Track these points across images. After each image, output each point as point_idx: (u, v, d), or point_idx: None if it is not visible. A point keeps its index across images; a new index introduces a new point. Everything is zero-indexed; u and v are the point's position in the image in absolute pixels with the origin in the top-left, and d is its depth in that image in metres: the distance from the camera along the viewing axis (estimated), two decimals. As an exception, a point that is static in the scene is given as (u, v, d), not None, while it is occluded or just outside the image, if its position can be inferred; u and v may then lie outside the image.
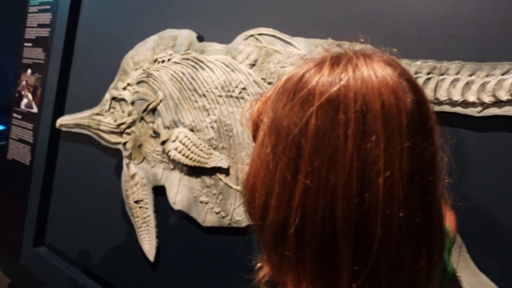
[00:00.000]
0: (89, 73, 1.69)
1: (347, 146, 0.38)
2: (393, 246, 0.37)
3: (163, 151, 1.35)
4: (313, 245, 0.39)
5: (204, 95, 1.26)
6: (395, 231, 0.37)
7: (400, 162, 0.37)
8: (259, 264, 0.52)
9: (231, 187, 1.20)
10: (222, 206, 1.22)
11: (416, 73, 0.91)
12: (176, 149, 1.30)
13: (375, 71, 0.41)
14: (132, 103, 1.46)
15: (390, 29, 0.96)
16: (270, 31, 1.14)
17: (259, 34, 1.17)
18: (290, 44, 1.10)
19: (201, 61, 1.28)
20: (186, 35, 1.33)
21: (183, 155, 1.28)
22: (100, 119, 1.56)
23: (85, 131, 1.62)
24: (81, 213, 1.66)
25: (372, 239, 0.37)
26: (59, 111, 1.77)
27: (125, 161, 1.47)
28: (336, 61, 0.44)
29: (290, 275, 0.42)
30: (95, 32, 1.67)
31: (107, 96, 1.54)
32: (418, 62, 0.89)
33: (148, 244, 1.39)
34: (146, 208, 1.41)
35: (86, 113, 1.61)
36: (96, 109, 1.59)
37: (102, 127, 1.54)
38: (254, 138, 0.52)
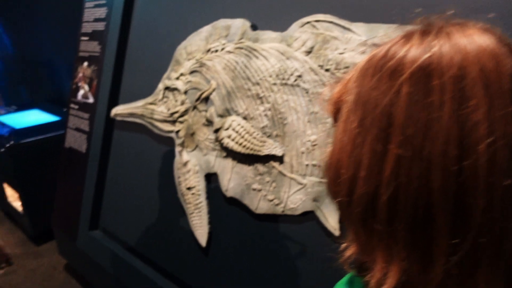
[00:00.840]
0: (142, 64, 1.74)
1: (443, 112, 0.36)
2: (496, 217, 0.36)
3: (216, 139, 1.38)
4: (406, 217, 0.38)
5: (258, 84, 1.27)
6: (498, 201, 0.36)
7: (504, 128, 0.36)
8: (344, 244, 0.52)
9: (285, 175, 1.20)
10: (275, 194, 1.22)
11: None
12: (229, 137, 1.32)
13: (470, 37, 0.39)
14: (185, 93, 1.49)
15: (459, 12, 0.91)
16: (328, 17, 1.13)
17: (316, 21, 1.15)
18: (349, 30, 1.08)
19: (255, 50, 1.28)
20: (239, 24, 1.34)
21: (237, 142, 1.30)
22: (153, 108, 1.61)
23: (138, 120, 1.68)
24: (134, 198, 1.73)
25: (473, 209, 0.36)
26: (114, 101, 1.85)
27: (177, 149, 1.51)
28: (425, 31, 0.42)
29: (380, 251, 0.41)
30: (148, 25, 1.73)
31: (161, 86, 1.59)
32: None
33: (200, 229, 1.43)
34: (199, 195, 1.44)
35: (140, 103, 1.67)
36: (149, 99, 1.64)
37: (155, 116, 1.59)
38: (335, 120, 0.52)
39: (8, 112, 3.06)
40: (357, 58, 1.05)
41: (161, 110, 1.57)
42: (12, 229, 2.80)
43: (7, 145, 2.28)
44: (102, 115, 1.88)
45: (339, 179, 0.44)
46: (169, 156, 1.56)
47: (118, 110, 1.75)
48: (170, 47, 1.59)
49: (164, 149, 1.61)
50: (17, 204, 2.59)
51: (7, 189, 2.68)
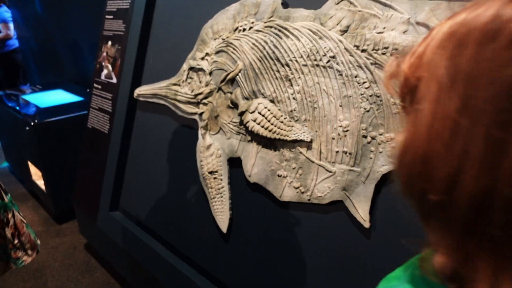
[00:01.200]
0: (166, 44, 1.70)
1: None
2: None
3: (241, 122, 1.32)
4: None
5: (287, 65, 1.20)
6: None
7: None
8: (424, 252, 0.44)
9: (312, 162, 1.14)
10: (302, 181, 1.16)
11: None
12: (255, 121, 1.26)
13: None
14: (210, 73, 1.44)
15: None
16: (367, -7, 1.04)
17: (353, -3, 1.07)
18: (390, 7, 1.00)
19: (286, 29, 1.21)
20: (270, 1, 1.27)
21: (262, 126, 1.24)
22: (177, 89, 1.57)
23: (161, 101, 1.64)
24: (155, 181, 1.70)
25: None
26: (137, 82, 1.81)
27: (201, 131, 1.46)
28: None
29: (487, 259, 0.33)
30: (174, 3, 1.67)
31: (185, 66, 1.54)
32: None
33: (221, 215, 1.39)
34: (221, 179, 1.40)
35: (163, 83, 1.63)
36: (173, 79, 1.60)
37: (178, 97, 1.55)
38: (408, 101, 0.43)
39: (34, 91, 3.09)
40: (398, 38, 0.97)
41: (185, 91, 1.53)
42: (36, 207, 2.85)
43: (32, 123, 2.30)
44: (125, 96, 1.85)
45: (429, 175, 0.36)
46: (192, 139, 1.52)
47: (141, 90, 1.71)
48: (196, 26, 1.53)
49: (187, 131, 1.57)
50: (41, 183, 2.63)
51: (31, 167, 2.72)
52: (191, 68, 1.51)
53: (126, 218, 1.88)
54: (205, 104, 1.46)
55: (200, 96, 1.46)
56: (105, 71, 2.01)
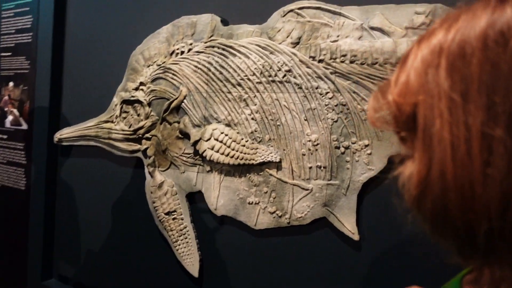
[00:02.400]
0: (87, 79, 1.50)
1: None
2: None
3: (196, 153, 1.20)
4: None
5: (240, 84, 1.13)
6: None
7: None
8: (469, 275, 0.40)
9: (286, 182, 1.07)
10: (277, 205, 1.09)
11: None
12: (212, 149, 1.15)
13: None
14: (149, 104, 1.29)
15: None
16: (313, 3, 1.03)
17: (300, 8, 1.05)
18: (340, 15, 0.99)
19: (231, 47, 1.14)
20: (207, 20, 1.19)
21: (222, 153, 1.14)
22: (110, 126, 1.38)
23: (92, 143, 1.43)
24: (98, 235, 1.47)
25: None
26: (54, 125, 1.57)
27: (148, 169, 1.30)
28: None
29: None
30: (89, 30, 1.49)
31: (116, 100, 1.37)
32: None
33: (189, 258, 1.24)
34: (182, 219, 1.25)
35: (92, 122, 1.42)
36: (103, 116, 1.40)
37: (114, 136, 1.37)
38: (402, 128, 0.41)
39: None
40: (354, 44, 0.96)
41: (120, 127, 1.35)
42: None
43: None
44: (41, 143, 1.58)
45: (469, 202, 0.32)
46: (138, 180, 1.35)
47: (64, 134, 1.48)
48: (121, 55, 1.38)
49: (129, 172, 1.38)
50: None
51: None
52: (125, 101, 1.34)
53: (65, 285, 1.59)
54: (148, 138, 1.30)
55: (141, 131, 1.30)
56: (10, 118, 1.70)
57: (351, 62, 0.97)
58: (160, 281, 1.31)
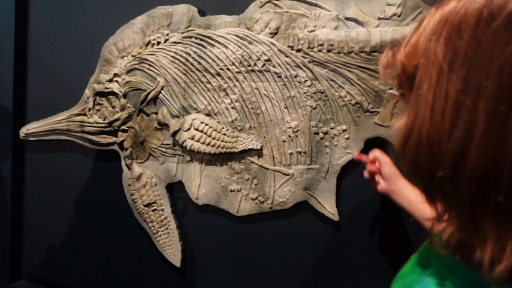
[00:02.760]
0: (54, 71, 1.44)
1: None
2: None
3: (175, 143, 1.21)
4: None
5: (219, 74, 1.14)
6: None
7: None
8: (439, 226, 0.46)
9: (267, 168, 1.11)
10: (259, 191, 1.12)
11: None
12: (192, 138, 1.16)
13: None
14: (125, 96, 1.28)
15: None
16: (290, -6, 1.06)
17: (277, -1, 1.08)
18: (317, 6, 1.03)
19: (209, 37, 1.15)
20: (183, 10, 1.19)
21: (203, 143, 1.15)
22: (82, 119, 1.34)
23: (63, 137, 1.38)
24: (72, 233, 1.43)
25: None
26: (20, 120, 1.50)
27: (125, 162, 1.28)
28: None
29: (493, 226, 0.37)
30: (56, 20, 1.43)
31: (88, 93, 1.33)
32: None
33: (171, 248, 1.24)
34: (162, 210, 1.25)
35: (62, 116, 1.38)
36: (75, 109, 1.36)
37: (87, 129, 1.33)
38: (402, 86, 0.46)
39: None
40: (331, 34, 1.01)
41: (94, 120, 1.32)
42: None
43: None
44: (5, 139, 1.51)
45: (435, 154, 0.38)
46: (114, 173, 1.32)
47: (31, 128, 1.42)
48: (90, 46, 1.35)
49: (105, 165, 1.36)
50: None
51: None
52: (98, 93, 1.31)
53: (35, 286, 1.53)
54: (124, 130, 1.28)
55: (117, 123, 1.28)
56: (-32, 113, 1.60)
57: (328, 51, 1.02)
58: (142, 274, 1.30)
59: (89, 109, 1.33)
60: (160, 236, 1.25)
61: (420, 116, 0.39)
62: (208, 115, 1.16)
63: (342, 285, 1.04)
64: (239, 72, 1.12)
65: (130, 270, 1.32)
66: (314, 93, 1.05)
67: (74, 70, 1.40)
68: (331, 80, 1.03)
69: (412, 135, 0.40)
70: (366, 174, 0.90)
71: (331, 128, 1.04)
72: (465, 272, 0.41)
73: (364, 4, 0.99)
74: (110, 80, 1.30)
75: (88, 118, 1.33)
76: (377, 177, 0.86)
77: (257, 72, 1.10)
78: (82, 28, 1.38)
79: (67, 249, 1.44)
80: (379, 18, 0.98)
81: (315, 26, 1.04)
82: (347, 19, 1.01)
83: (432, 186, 0.40)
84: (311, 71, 1.04)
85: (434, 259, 0.45)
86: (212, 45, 1.15)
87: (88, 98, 1.33)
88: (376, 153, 0.88)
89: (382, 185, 0.84)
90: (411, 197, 0.78)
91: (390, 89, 0.97)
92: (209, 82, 1.15)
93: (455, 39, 0.38)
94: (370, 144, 0.99)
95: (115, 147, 1.31)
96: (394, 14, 0.96)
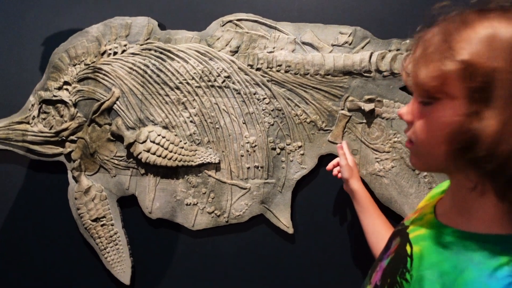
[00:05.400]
0: (-7, 74, 1.34)
1: None
2: None
3: (129, 156, 1.18)
4: None
5: (178, 88, 1.15)
6: None
7: None
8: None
9: (224, 182, 1.12)
10: (215, 204, 1.13)
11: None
12: (148, 151, 1.15)
13: None
14: (75, 105, 1.22)
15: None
16: (251, 16, 1.12)
17: (239, 20, 1.12)
18: (276, 29, 1.10)
19: (169, 51, 1.16)
20: (143, 22, 1.19)
21: (159, 156, 1.14)
22: (25, 128, 1.25)
23: (1, 146, 1.28)
24: (12, 249, 1.30)
25: None
26: None
27: (72, 174, 1.22)
28: None
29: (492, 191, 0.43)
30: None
31: (33, 100, 1.25)
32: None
33: (120, 265, 1.19)
34: (112, 225, 1.20)
35: (1, 123, 1.27)
36: (16, 117, 1.27)
37: (30, 138, 1.24)
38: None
39: None
40: (288, 56, 1.08)
41: (39, 129, 1.24)
42: None
43: None
44: None
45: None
46: (59, 185, 1.25)
47: (-39, 136, 1.29)
48: (38, 51, 1.28)
49: (49, 177, 1.27)
50: None
51: None
52: (45, 101, 1.24)
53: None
54: (73, 141, 1.22)
55: (65, 133, 1.22)
56: None
57: (286, 71, 1.08)
58: (86, 293, 1.22)
59: (33, 117, 1.25)
60: (108, 252, 1.20)
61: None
62: (165, 127, 1.16)
63: (295, 296, 1.08)
64: (199, 86, 1.14)
65: (73, 289, 1.23)
66: (272, 110, 1.10)
67: (17, 75, 1.31)
68: (288, 99, 1.09)
69: (502, 136, 0.40)
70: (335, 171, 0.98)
71: (287, 144, 1.09)
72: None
73: (319, 31, 1.07)
74: (60, 88, 1.24)
75: (32, 126, 1.25)
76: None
77: (217, 88, 1.13)
78: (29, 31, 1.31)
79: (5, 268, 1.31)
80: (333, 45, 1.07)
81: (274, 48, 1.10)
82: (304, 43, 1.08)
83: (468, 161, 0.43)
84: (270, 90, 1.09)
85: (452, 240, 0.45)
86: (172, 59, 1.15)
87: (32, 105, 1.25)
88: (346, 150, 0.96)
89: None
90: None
91: (342, 109, 1.06)
92: (167, 95, 1.16)
93: None
94: (323, 160, 1.06)
95: (61, 158, 1.24)
96: (346, 42, 1.06)
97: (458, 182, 0.48)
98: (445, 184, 0.60)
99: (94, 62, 1.21)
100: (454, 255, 0.44)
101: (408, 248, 0.50)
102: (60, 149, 1.23)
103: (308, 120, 1.08)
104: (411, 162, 0.54)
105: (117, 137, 1.19)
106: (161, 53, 1.16)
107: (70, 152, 1.22)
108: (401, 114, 0.51)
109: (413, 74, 0.47)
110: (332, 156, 1.05)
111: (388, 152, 1.03)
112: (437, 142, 0.45)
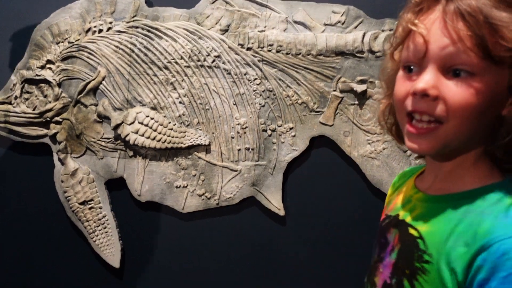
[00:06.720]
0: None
1: None
2: None
3: (117, 137, 1.15)
4: None
5: (166, 67, 1.12)
6: None
7: None
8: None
9: (215, 164, 1.11)
10: (206, 187, 1.12)
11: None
12: (136, 132, 1.12)
13: None
14: (59, 85, 1.18)
15: None
16: (242, -7, 1.08)
17: (229, -3, 1.09)
18: (267, 7, 1.07)
19: (157, 29, 1.12)
20: (129, -1, 1.14)
21: (148, 137, 1.12)
22: (7, 108, 1.21)
23: (-19, 128, 1.23)
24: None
25: None
26: None
27: (58, 156, 1.19)
28: None
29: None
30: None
31: (15, 79, 1.20)
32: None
33: (109, 248, 1.17)
34: (100, 208, 1.18)
35: (-19, 104, 1.23)
36: (-3, 97, 1.22)
37: (12, 119, 1.20)
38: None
39: None
40: (280, 35, 1.05)
41: (22, 110, 1.20)
42: None
43: None
44: None
45: None
46: (44, 168, 1.22)
47: None
48: (19, 28, 1.23)
49: (33, 160, 1.24)
50: None
51: None
52: (27, 81, 1.19)
53: None
54: (58, 122, 1.19)
55: (50, 114, 1.18)
56: None
57: (277, 51, 1.06)
58: (77, 276, 1.21)
59: (16, 98, 1.20)
60: (97, 235, 1.18)
61: None
62: (154, 108, 1.13)
63: (288, 277, 1.08)
64: (188, 66, 1.11)
65: (63, 272, 1.21)
66: (263, 91, 1.08)
67: (-3, 54, 1.26)
68: (280, 79, 1.07)
69: None
70: None
71: (279, 126, 1.08)
72: None
73: (312, 10, 1.05)
74: (42, 67, 1.19)
75: (14, 107, 1.21)
76: None
77: (207, 68, 1.10)
78: (8, 6, 1.25)
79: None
80: (325, 24, 1.04)
81: (265, 27, 1.07)
82: (296, 22, 1.05)
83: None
84: (261, 70, 1.07)
85: (454, 204, 0.46)
86: (160, 37, 1.12)
87: (14, 85, 1.21)
88: None
89: None
90: None
91: (334, 90, 1.04)
92: (155, 75, 1.12)
93: None
94: (315, 141, 1.05)
95: (46, 140, 1.20)
96: (339, 22, 1.04)
97: (456, 160, 0.47)
98: (406, 172, 0.60)
99: (78, 40, 1.17)
100: (463, 215, 0.44)
101: (413, 231, 0.49)
102: (44, 131, 1.20)
103: (299, 101, 1.06)
104: (420, 147, 0.46)
105: (104, 118, 1.16)
106: (148, 31, 1.13)
107: (55, 133, 1.19)
108: (425, 89, 0.43)
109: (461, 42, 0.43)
110: (323, 138, 1.05)
111: (380, 134, 1.03)
112: (477, 114, 0.42)
